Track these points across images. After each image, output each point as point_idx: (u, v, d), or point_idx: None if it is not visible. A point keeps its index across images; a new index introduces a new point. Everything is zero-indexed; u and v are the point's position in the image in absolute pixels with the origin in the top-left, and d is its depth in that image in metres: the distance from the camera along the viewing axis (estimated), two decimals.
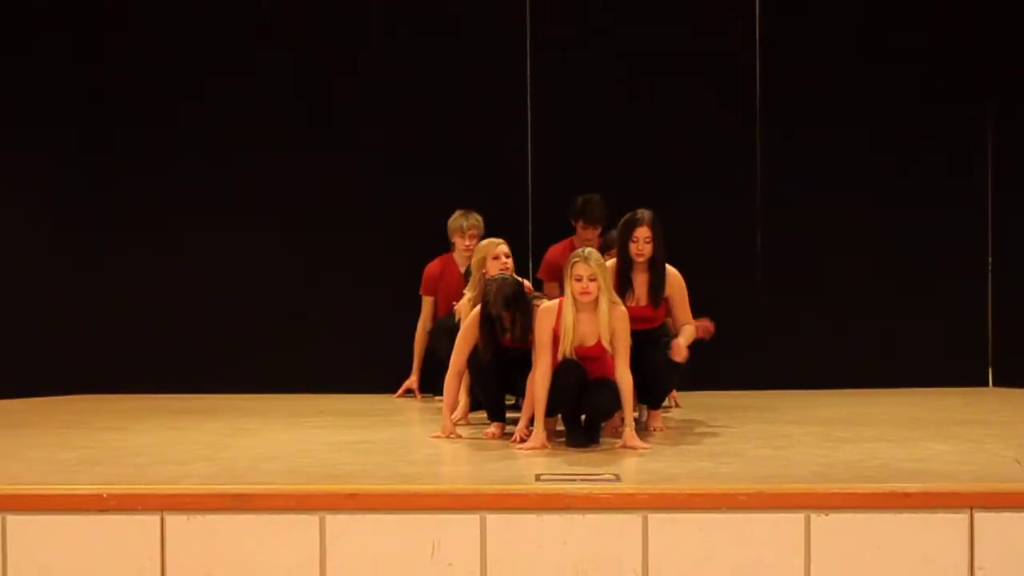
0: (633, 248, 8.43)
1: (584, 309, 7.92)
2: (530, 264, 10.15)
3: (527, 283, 8.59)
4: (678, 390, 9.35)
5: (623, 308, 8.04)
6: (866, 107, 10.41)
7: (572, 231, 9.94)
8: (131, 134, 10.34)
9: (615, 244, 8.66)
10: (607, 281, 7.95)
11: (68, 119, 10.24)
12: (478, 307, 8.32)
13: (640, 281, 8.48)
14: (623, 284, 8.42)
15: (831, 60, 10.42)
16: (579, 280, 7.88)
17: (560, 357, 7.92)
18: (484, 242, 8.99)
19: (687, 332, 8.50)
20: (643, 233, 8.42)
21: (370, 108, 10.39)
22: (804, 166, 10.43)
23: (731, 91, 10.44)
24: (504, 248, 8.85)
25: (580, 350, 7.93)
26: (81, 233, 10.32)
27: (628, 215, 8.55)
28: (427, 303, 9.89)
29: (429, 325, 9.85)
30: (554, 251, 9.81)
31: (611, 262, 8.41)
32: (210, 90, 10.37)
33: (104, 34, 10.35)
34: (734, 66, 10.43)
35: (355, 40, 10.40)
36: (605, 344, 7.91)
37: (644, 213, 8.48)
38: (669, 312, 8.56)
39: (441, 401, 8.48)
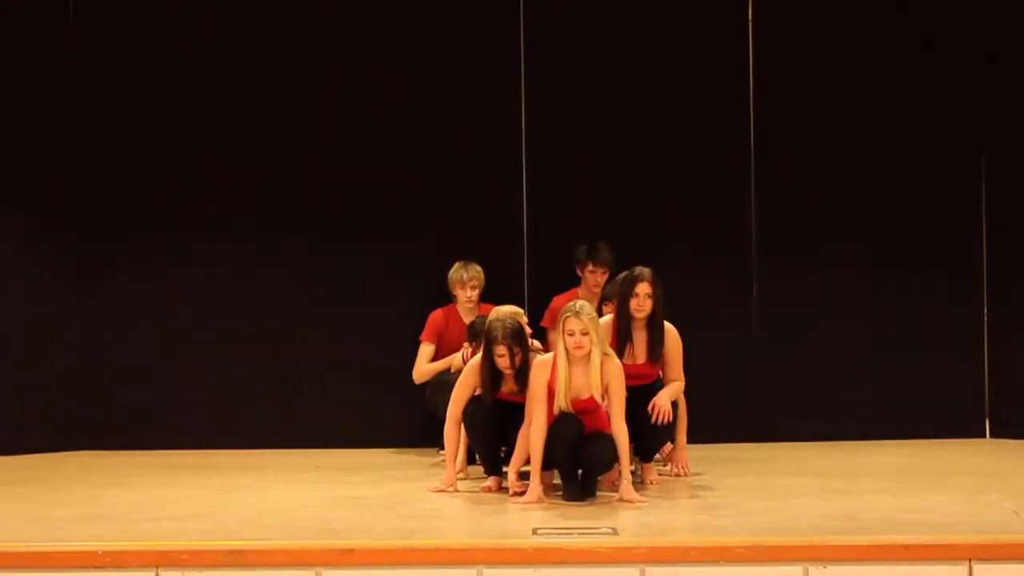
0: (634, 303, 8.44)
1: (578, 362, 7.93)
2: (527, 315, 10.13)
3: (534, 342, 8.59)
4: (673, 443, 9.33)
5: (617, 361, 8.05)
6: (859, 153, 10.41)
7: (572, 279, 9.93)
8: (124, 190, 10.37)
9: (614, 296, 8.67)
10: (599, 335, 7.96)
11: (56, 172, 10.27)
12: (478, 355, 8.34)
13: (639, 338, 8.49)
14: (622, 340, 8.43)
15: (828, 104, 10.43)
16: (571, 335, 7.90)
17: (556, 411, 7.92)
18: (505, 309, 8.79)
19: (671, 389, 8.49)
20: (644, 289, 8.44)
21: (366, 157, 10.41)
22: (799, 216, 10.43)
23: (724, 140, 10.46)
24: (522, 319, 8.75)
25: (575, 403, 7.93)
26: (76, 288, 10.29)
27: (627, 272, 8.57)
28: (427, 349, 9.84)
29: (425, 372, 9.79)
30: (559, 300, 9.79)
31: (606, 318, 8.42)
32: (206, 134, 10.38)
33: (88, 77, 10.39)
34: (727, 118, 10.44)
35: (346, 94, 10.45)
36: (597, 397, 7.91)
37: (644, 270, 8.50)
38: (662, 367, 8.57)
39: (443, 454, 8.47)
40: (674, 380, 8.53)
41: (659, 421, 8.35)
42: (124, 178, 10.38)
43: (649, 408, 8.34)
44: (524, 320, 8.71)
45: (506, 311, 8.62)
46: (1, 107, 10.18)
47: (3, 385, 10.14)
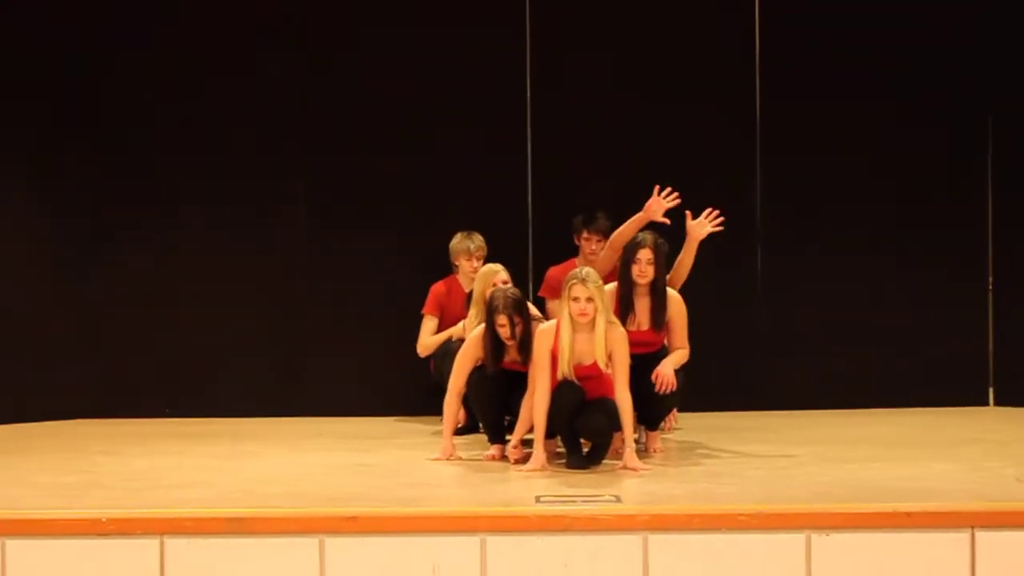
0: (635, 270, 8.42)
1: (581, 329, 7.92)
2: (530, 286, 10.13)
3: (532, 307, 8.61)
4: (678, 411, 9.33)
5: (621, 329, 8.04)
6: (866, 132, 10.40)
7: (573, 251, 9.93)
8: (126, 154, 10.36)
9: (636, 244, 8.68)
10: (604, 302, 7.95)
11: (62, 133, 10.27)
12: (480, 326, 8.33)
13: (642, 305, 8.47)
14: (624, 307, 8.41)
15: (833, 83, 10.41)
16: (576, 301, 7.88)
17: (559, 377, 7.92)
18: (484, 269, 9.00)
19: (675, 357, 8.47)
20: (646, 255, 8.41)
21: (365, 129, 10.39)
22: (804, 187, 10.42)
23: (732, 111, 10.43)
24: (503, 276, 8.85)
25: (578, 370, 7.93)
26: (77, 256, 10.30)
27: (631, 238, 8.55)
28: (430, 322, 9.83)
29: (429, 345, 9.79)
30: (556, 271, 9.78)
31: (611, 286, 8.40)
32: (209, 97, 10.38)
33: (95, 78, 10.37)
34: (735, 86, 10.42)
35: (344, 72, 10.43)
36: (602, 365, 7.91)
37: (647, 235, 8.48)
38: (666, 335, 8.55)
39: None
40: (678, 348, 8.51)
41: (663, 390, 8.34)
42: (126, 149, 10.36)
43: (653, 377, 8.32)
44: (505, 277, 8.73)
45: (487, 271, 8.81)
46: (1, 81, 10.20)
47: (2, 354, 10.13)
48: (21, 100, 10.17)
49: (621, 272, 8.49)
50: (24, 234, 10.25)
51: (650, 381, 8.32)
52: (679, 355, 8.50)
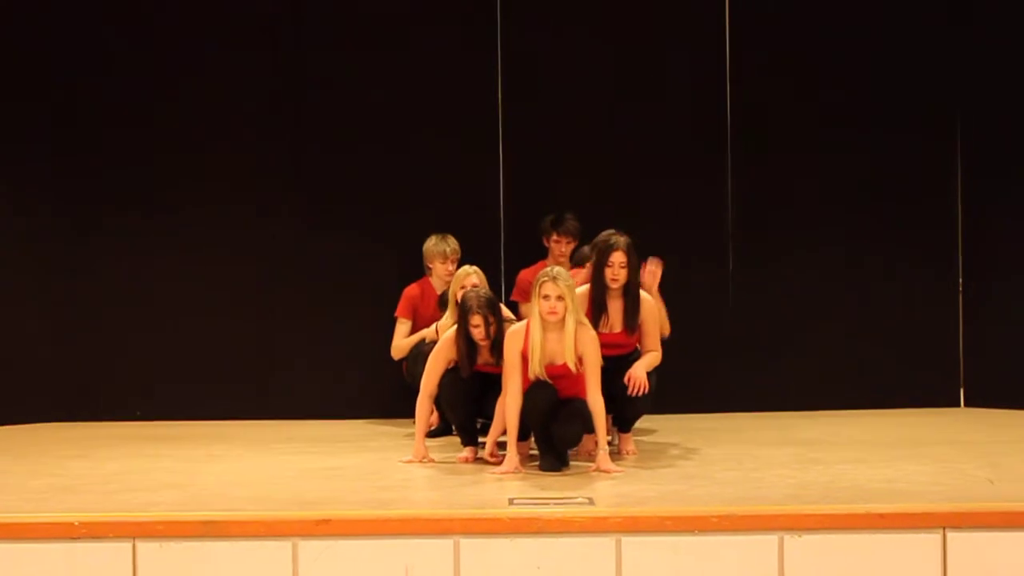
0: (608, 273, 8.42)
1: (552, 329, 7.92)
2: (503, 288, 10.13)
3: (504, 308, 8.61)
4: (649, 415, 9.32)
5: (592, 331, 8.03)
6: (838, 131, 10.42)
7: (544, 253, 9.94)
8: (101, 154, 10.33)
9: (587, 260, 8.66)
10: (574, 302, 7.95)
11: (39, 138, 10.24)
12: (452, 328, 8.33)
13: (615, 307, 8.46)
14: (597, 309, 8.41)
15: (803, 87, 10.43)
16: (547, 299, 7.89)
17: (531, 377, 7.92)
18: (459, 271, 9.01)
19: (647, 359, 8.47)
20: (618, 258, 8.41)
21: (340, 129, 10.38)
22: (775, 188, 10.45)
23: (702, 113, 10.45)
24: (473, 279, 8.84)
25: (550, 369, 7.93)
26: (49, 259, 10.26)
27: (603, 240, 8.53)
28: (403, 326, 9.81)
29: (402, 348, 9.77)
30: (526, 273, 9.80)
31: (582, 289, 8.39)
32: (185, 99, 10.36)
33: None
34: (705, 89, 10.43)
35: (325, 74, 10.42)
36: (571, 365, 7.90)
37: (619, 238, 8.46)
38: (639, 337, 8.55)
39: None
40: (651, 350, 8.51)
41: (636, 392, 8.34)
42: (106, 141, 10.34)
43: (625, 380, 8.33)
44: (476, 280, 8.76)
45: (461, 273, 8.86)
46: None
47: None
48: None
49: (594, 274, 8.48)
50: None
51: (621, 384, 8.32)
52: (651, 357, 8.50)
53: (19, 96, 10.18)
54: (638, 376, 8.35)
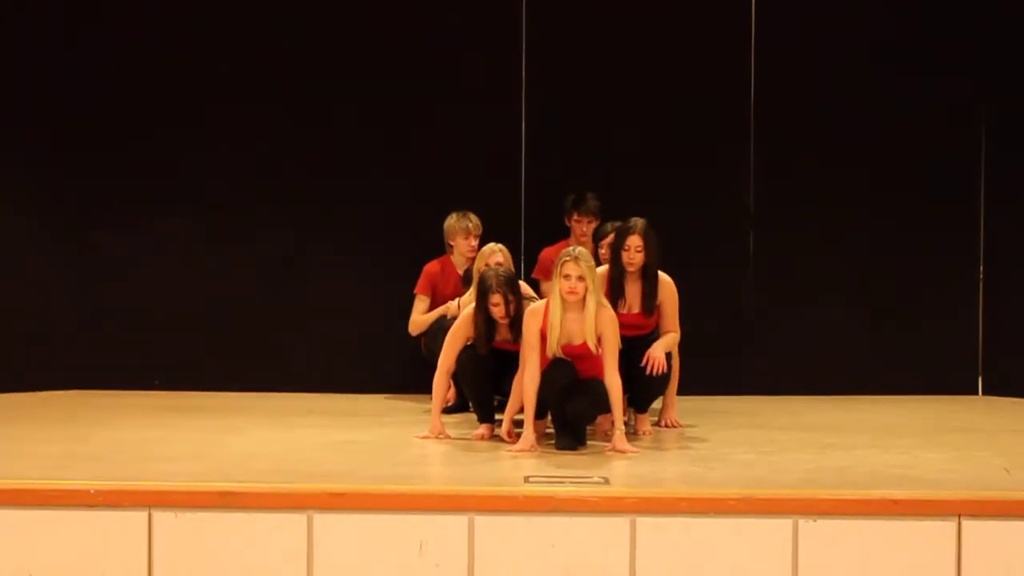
0: (625, 257, 8.43)
1: (571, 308, 7.93)
2: (522, 267, 10.13)
3: (525, 285, 8.61)
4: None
5: (611, 312, 8.03)
6: (859, 119, 10.39)
7: (565, 233, 9.94)
8: (118, 128, 10.35)
9: (608, 234, 8.66)
10: (595, 282, 7.95)
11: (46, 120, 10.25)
12: (471, 305, 8.33)
13: (632, 290, 8.47)
14: (615, 291, 8.41)
15: (827, 71, 10.41)
16: (567, 278, 7.89)
17: (548, 355, 7.92)
18: (485, 248, 9.00)
19: (666, 340, 8.48)
20: (634, 242, 8.41)
21: (360, 108, 10.38)
22: (797, 175, 10.42)
23: (726, 95, 10.42)
24: (497, 257, 8.84)
25: (567, 348, 7.93)
26: (69, 229, 10.28)
27: (621, 223, 8.55)
28: (422, 302, 9.80)
29: (420, 324, 9.77)
30: (549, 252, 9.79)
31: (602, 269, 8.40)
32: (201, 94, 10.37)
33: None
34: (729, 77, 10.41)
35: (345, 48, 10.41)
36: (591, 345, 7.91)
37: (637, 222, 8.47)
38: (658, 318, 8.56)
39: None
40: (669, 331, 8.52)
41: (653, 372, 8.34)
42: (123, 121, 10.35)
43: (643, 360, 8.34)
44: (500, 259, 8.75)
45: (486, 250, 8.84)
46: (2, 53, 10.15)
47: None
48: None
49: (612, 257, 8.50)
50: (17, 208, 10.21)
51: (639, 365, 8.33)
52: (670, 338, 8.51)
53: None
54: (656, 356, 8.36)
